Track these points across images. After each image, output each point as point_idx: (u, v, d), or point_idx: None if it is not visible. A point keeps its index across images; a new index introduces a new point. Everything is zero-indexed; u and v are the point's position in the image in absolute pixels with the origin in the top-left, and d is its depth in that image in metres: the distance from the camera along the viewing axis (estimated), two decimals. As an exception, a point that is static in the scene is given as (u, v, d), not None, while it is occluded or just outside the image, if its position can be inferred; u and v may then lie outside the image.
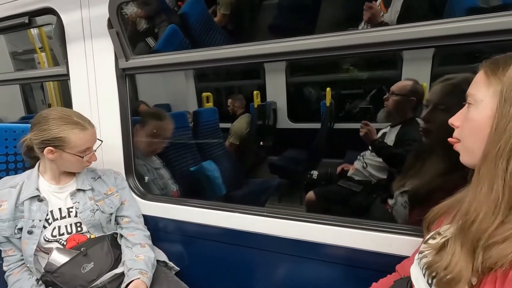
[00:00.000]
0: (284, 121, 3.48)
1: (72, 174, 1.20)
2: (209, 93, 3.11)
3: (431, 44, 0.89)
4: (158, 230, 1.32)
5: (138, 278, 1.07)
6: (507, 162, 0.50)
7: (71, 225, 1.14)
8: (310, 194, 2.04)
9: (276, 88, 3.44)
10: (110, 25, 1.22)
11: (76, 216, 1.14)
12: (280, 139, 3.40)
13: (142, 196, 1.34)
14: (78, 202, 1.15)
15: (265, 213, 1.13)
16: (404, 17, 1.62)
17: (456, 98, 0.62)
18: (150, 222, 1.32)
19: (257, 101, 3.38)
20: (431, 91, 1.11)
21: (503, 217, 0.51)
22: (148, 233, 1.27)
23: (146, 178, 1.56)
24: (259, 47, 1.05)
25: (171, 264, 1.30)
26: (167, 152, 2.04)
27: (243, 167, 3.05)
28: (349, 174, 2.02)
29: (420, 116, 1.11)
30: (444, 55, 2.64)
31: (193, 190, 2.12)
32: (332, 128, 3.18)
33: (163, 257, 1.30)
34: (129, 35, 1.28)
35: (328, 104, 3.09)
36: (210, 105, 3.10)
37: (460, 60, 2.69)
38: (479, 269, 0.51)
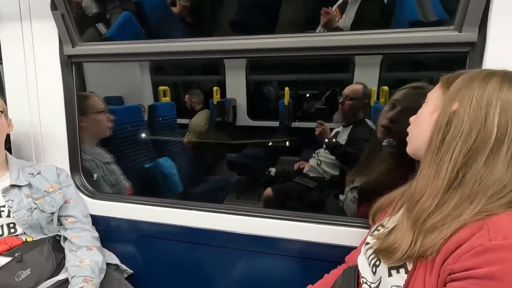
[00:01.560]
0: (243, 118, 3.50)
1: (4, 168, 1.07)
2: (166, 87, 2.99)
3: (378, 52, 0.98)
4: (108, 231, 1.24)
5: (82, 287, 0.98)
6: (451, 153, 0.58)
7: (2, 226, 1.01)
8: (268, 191, 2.09)
9: (236, 85, 3.43)
10: (53, 6, 1.10)
11: (8, 216, 1.02)
12: (239, 136, 3.41)
13: (91, 195, 1.25)
14: (12, 200, 1.03)
15: (223, 210, 1.13)
16: (357, 24, 1.73)
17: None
18: (100, 222, 1.23)
19: (216, 97, 3.34)
20: (403, 95, 1.23)
21: (439, 199, 0.58)
22: (96, 234, 1.18)
23: (95, 175, 1.45)
24: (219, 42, 1.04)
25: (123, 267, 1.23)
26: (119, 146, 1.92)
27: (201, 164, 2.99)
28: (304, 171, 2.11)
29: (387, 116, 1.22)
30: (390, 62, 2.88)
31: (148, 188, 2.02)
32: (289, 126, 3.27)
33: (114, 259, 1.22)
34: (77, 18, 1.17)
35: (286, 103, 3.18)
36: (167, 99, 2.98)
37: (403, 67, 2.98)
38: (414, 255, 0.57)
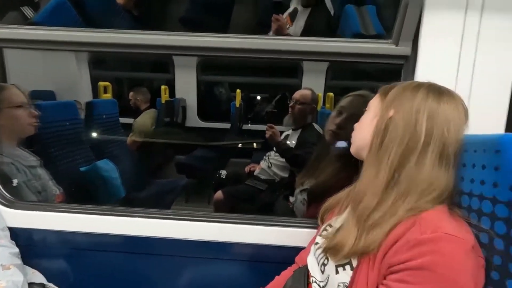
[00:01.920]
0: (193, 120, 3.40)
1: None
2: (107, 83, 2.74)
3: (325, 58, 1.03)
4: (32, 245, 1.07)
5: None
6: (388, 155, 0.63)
7: None
8: (219, 194, 2.05)
9: (186, 84, 3.31)
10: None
11: None
12: (189, 137, 3.30)
13: (9, 204, 1.06)
14: None
15: (171, 216, 1.06)
16: (306, 32, 1.81)
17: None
18: (21, 236, 1.06)
19: (165, 96, 3.18)
20: (348, 102, 1.30)
21: (379, 197, 0.62)
22: (16, 250, 1.01)
23: (15, 181, 1.25)
24: (169, 37, 0.98)
25: (50, 285, 1.07)
26: (48, 147, 1.69)
27: (147, 166, 2.81)
28: (255, 173, 2.12)
29: (334, 122, 1.29)
30: (335, 71, 3.09)
31: (84, 194, 1.81)
32: (241, 128, 3.28)
33: (39, 278, 1.06)
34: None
35: (238, 105, 3.18)
36: (108, 96, 2.73)
37: (346, 76, 3.22)
38: (358, 251, 0.61)
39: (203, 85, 3.44)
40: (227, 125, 3.34)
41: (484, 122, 0.85)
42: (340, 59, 1.01)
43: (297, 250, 0.93)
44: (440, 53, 0.88)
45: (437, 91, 0.65)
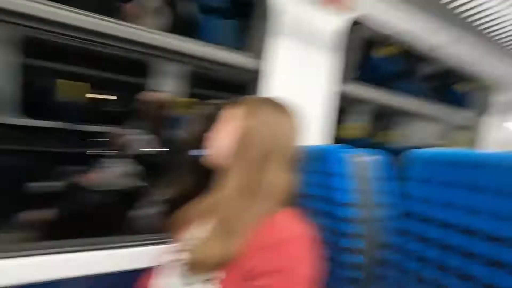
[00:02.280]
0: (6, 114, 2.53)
1: None
2: None
3: (183, 60, 1.00)
4: None
5: None
6: (244, 163, 0.66)
7: None
8: (35, 215, 1.56)
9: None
10: None
11: None
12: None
13: None
14: None
15: None
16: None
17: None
18: None
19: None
20: (207, 111, 1.27)
21: (238, 204, 0.63)
22: None
23: None
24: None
25: None
26: None
27: None
28: (95, 183, 1.78)
29: (191, 129, 1.22)
30: (190, 76, 3.10)
31: None
32: (78, 129, 2.72)
33: None
34: None
35: (75, 102, 2.68)
36: None
37: (202, 84, 3.31)
38: (225, 262, 0.59)
39: (26, 71, 2.62)
40: (59, 124, 2.68)
41: (313, 134, 1.06)
42: (198, 63, 1.00)
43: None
44: (284, 72, 1.04)
45: (281, 105, 0.74)
